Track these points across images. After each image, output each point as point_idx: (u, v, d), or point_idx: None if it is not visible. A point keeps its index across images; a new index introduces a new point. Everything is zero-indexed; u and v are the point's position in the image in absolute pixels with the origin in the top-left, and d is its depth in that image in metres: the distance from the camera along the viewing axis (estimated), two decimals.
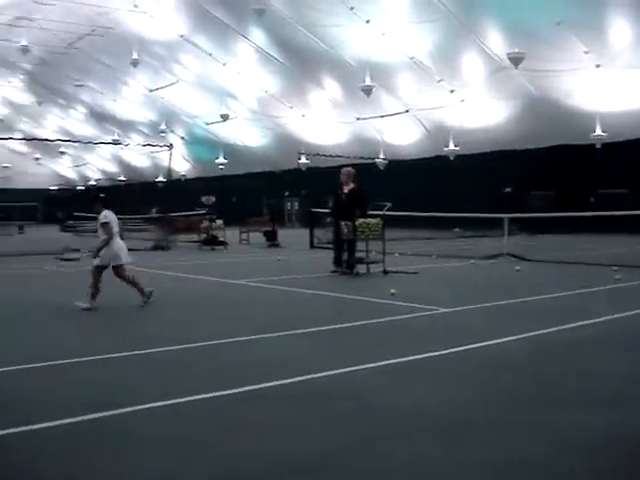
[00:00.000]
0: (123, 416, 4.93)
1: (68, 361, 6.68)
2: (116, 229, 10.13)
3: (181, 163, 55.56)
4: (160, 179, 54.11)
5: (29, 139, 52.43)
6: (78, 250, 10.29)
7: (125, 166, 65.23)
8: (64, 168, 75.94)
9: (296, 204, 50.06)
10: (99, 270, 9.99)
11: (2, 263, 18.76)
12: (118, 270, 10.12)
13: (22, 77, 53.03)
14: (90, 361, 6.72)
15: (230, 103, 44.42)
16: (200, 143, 52.97)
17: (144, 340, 7.66)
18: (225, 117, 44.01)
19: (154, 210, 52.29)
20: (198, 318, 9.53)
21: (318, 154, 38.01)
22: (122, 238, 10.48)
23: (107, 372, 6.36)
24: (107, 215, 10.07)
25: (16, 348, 7.43)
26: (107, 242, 9.95)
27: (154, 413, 5.03)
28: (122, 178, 65.16)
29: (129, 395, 5.45)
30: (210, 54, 39.43)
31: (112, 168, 68.02)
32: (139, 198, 55.23)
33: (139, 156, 59.82)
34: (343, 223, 14.78)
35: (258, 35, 36.56)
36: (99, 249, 10.01)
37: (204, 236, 25.95)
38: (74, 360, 6.71)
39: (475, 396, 5.39)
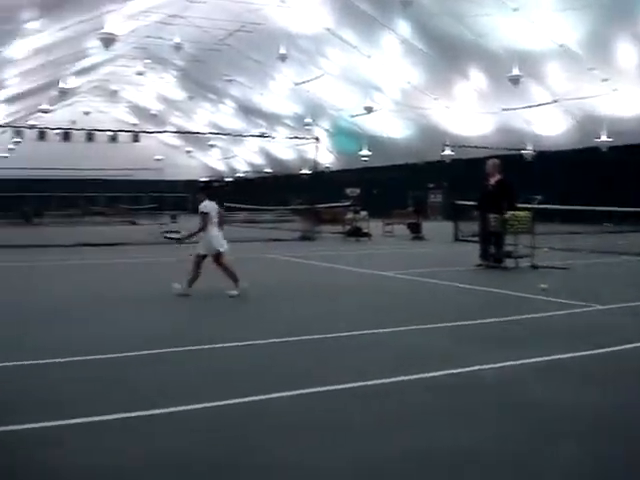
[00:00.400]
0: (271, 401, 5.08)
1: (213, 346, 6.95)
2: (215, 219, 10.55)
3: (325, 155, 56.21)
4: (305, 171, 54.94)
5: (181, 132, 54.54)
6: (178, 232, 10.78)
7: (271, 158, 66.66)
8: (213, 160, 78.45)
9: (439, 196, 49.57)
10: (199, 258, 10.46)
11: (160, 250, 19.69)
12: (217, 258, 10.51)
13: (175, 73, 55.12)
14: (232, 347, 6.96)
15: (374, 95, 44.50)
16: (344, 135, 53.36)
17: (294, 327, 7.85)
18: (369, 109, 44.14)
19: (297, 202, 53.37)
20: (344, 308, 9.65)
21: (463, 145, 37.45)
22: (221, 228, 10.73)
23: (254, 357, 6.56)
24: (206, 205, 10.51)
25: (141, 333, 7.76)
26: (201, 230, 10.47)
27: (309, 398, 5.16)
28: (268, 170, 66.67)
29: (283, 379, 5.61)
30: (355, 47, 39.62)
31: (259, 160, 69.67)
32: (285, 190, 56.41)
33: (285, 149, 60.96)
34: (491, 216, 14.54)
35: (403, 27, 36.41)
36: (190, 235, 10.87)
37: (348, 227, 26.19)
38: (213, 345, 6.97)
39: (631, 399, 5.21)
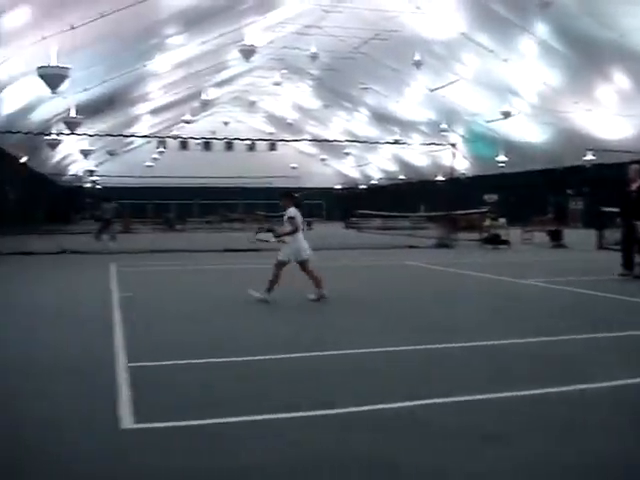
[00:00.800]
0: (426, 407, 5.08)
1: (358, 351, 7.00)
2: (300, 227, 10.85)
3: (460, 161, 55.57)
4: (439, 177, 54.52)
5: (317, 140, 55.30)
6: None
7: (405, 165, 66.54)
8: (348, 168, 79.09)
9: (580, 203, 47.95)
10: (281, 265, 10.66)
11: None
12: (303, 265, 10.76)
13: (310, 82, 55.97)
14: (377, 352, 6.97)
15: (511, 99, 43.59)
16: (480, 141, 52.57)
17: (435, 333, 7.80)
18: (506, 114, 43.27)
19: (422, 208, 53.09)
20: (481, 316, 9.51)
21: (606, 149, 36.08)
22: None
23: (390, 364, 6.56)
24: (294, 212, 10.76)
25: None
26: (293, 232, 10.69)
27: (460, 406, 5.13)
28: (402, 177, 66.56)
29: (428, 387, 5.59)
30: (491, 50, 38.97)
31: (392, 167, 69.69)
32: (419, 197, 56.19)
33: (419, 155, 60.72)
34: (637, 223, 13.92)
35: (541, 28, 35.48)
36: (279, 235, 11.05)
37: (486, 234, 25.78)
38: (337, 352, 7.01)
39: None
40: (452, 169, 28.46)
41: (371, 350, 7.18)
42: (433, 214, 35.75)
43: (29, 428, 4.74)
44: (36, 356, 6.99)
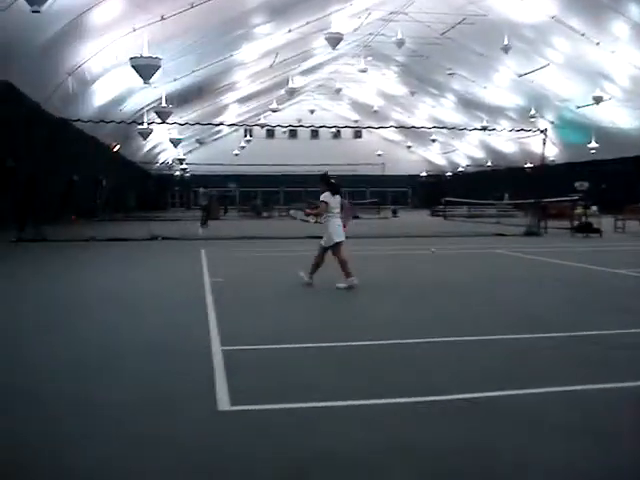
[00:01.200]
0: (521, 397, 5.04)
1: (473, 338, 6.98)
2: (337, 210, 11.03)
3: (550, 148, 54.36)
4: (528, 165, 53.50)
5: (402, 127, 55.01)
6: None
7: (492, 152, 65.56)
8: (434, 155, 78.44)
9: None
10: (323, 251, 11.00)
11: (393, 244, 20.04)
12: (334, 250, 10.90)
13: (396, 69, 55.62)
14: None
15: (603, 84, 42.37)
16: (570, 127, 51.32)
17: (532, 322, 7.72)
18: (598, 99, 42.06)
19: (506, 196, 52.15)
20: (579, 307, 9.33)
21: None
22: (347, 220, 11.00)
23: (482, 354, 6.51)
24: (327, 195, 11.01)
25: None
26: (319, 214, 11.27)
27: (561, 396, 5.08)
28: (489, 164, 65.61)
29: (525, 376, 5.55)
30: (583, 34, 37.92)
31: (479, 154, 68.76)
32: (507, 184, 55.30)
33: (506, 142, 59.71)
34: None
35: (634, 10, 34.31)
36: (312, 213, 11.97)
37: (577, 223, 25.20)
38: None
39: None
40: (542, 156, 27.83)
41: (465, 338, 7.16)
42: (521, 202, 35.09)
43: (129, 407, 4.91)
44: (134, 338, 7.22)
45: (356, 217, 37.23)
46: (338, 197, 11.17)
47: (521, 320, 8.19)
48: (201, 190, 34.75)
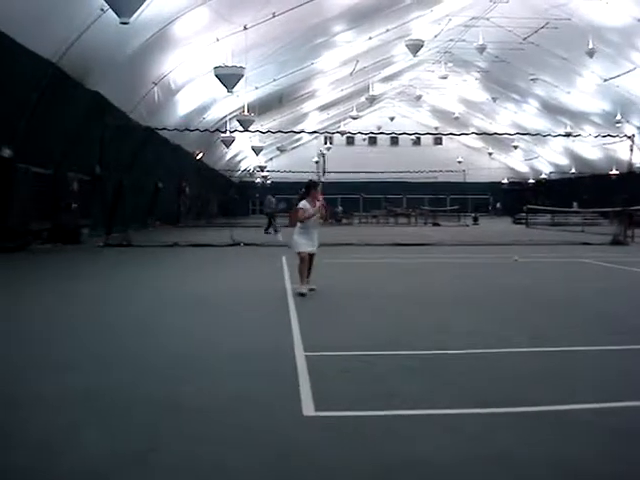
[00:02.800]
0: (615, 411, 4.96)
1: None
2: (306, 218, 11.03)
3: (636, 154, 52.93)
4: (614, 171, 52.21)
5: (483, 134, 54.41)
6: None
7: (576, 158, 64.14)
8: (516, 162, 77.24)
9: None
10: (302, 259, 11.06)
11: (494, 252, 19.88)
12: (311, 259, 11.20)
13: (477, 75, 55.04)
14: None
15: None
16: None
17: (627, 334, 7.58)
18: None
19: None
20: None
21: None
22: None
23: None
24: (305, 204, 11.08)
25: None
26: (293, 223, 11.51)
27: None
28: (573, 171, 64.23)
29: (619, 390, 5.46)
30: None
31: (563, 161, 67.37)
32: (592, 191, 54.06)
33: (591, 148, 58.34)
34: None
35: None
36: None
37: None
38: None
39: None
40: (629, 162, 27.12)
41: (557, 349, 7.09)
42: (607, 210, 34.27)
43: (216, 408, 5.03)
44: (220, 342, 7.38)
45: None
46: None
47: (622, 332, 8.04)
48: (268, 197, 35.69)
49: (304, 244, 11.11)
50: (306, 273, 11.13)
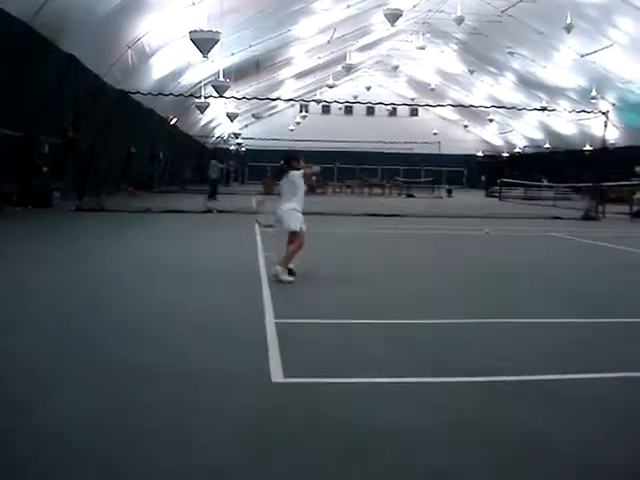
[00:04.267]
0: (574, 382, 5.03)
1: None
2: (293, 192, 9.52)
3: (611, 130, 53.25)
4: (587, 147, 52.55)
5: (459, 106, 54.39)
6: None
7: (550, 133, 64.40)
8: (490, 135, 77.39)
9: None
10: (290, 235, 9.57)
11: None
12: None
13: (455, 47, 54.87)
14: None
15: None
16: (633, 110, 50.12)
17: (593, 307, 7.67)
18: None
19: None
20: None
21: None
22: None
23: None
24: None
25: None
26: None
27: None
28: (547, 146, 64.52)
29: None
30: None
31: (537, 135, 67.63)
32: (564, 166, 54.39)
33: (566, 123, 58.56)
34: None
35: None
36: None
37: (636, 208, 24.73)
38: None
39: None
40: (603, 138, 27.30)
41: (523, 320, 7.17)
42: (580, 185, 34.55)
43: (181, 374, 5.02)
44: (188, 308, 7.37)
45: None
46: (294, 173, 9.53)
47: (585, 305, 8.15)
48: (212, 162, 34.46)
49: (302, 220, 9.63)
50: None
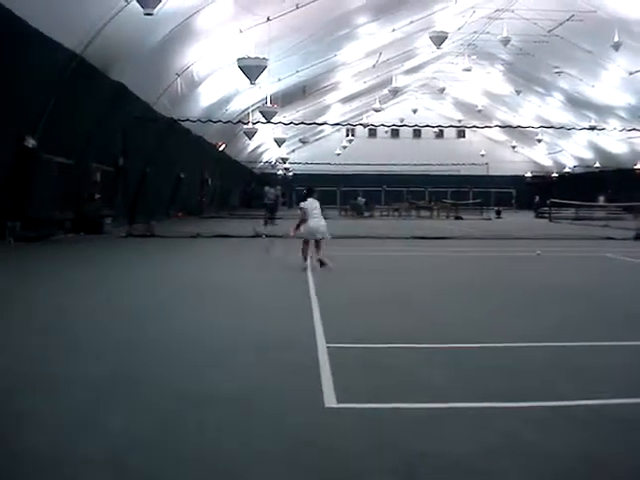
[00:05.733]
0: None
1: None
2: (316, 212, 13.16)
3: None
4: (638, 166, 51.82)
5: (507, 127, 54.11)
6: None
7: (600, 152, 63.61)
8: (539, 155, 76.73)
9: None
10: (305, 242, 13.31)
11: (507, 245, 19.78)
12: (317, 243, 13.13)
13: (501, 68, 54.68)
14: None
15: None
16: None
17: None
18: None
19: (601, 199, 50.38)
20: None
21: None
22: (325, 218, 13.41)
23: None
24: (304, 204, 13.26)
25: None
26: (301, 222, 13.20)
27: None
28: (597, 165, 63.70)
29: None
30: None
31: (587, 155, 66.84)
32: (616, 185, 53.62)
33: (616, 142, 57.83)
34: None
35: None
36: (297, 226, 13.31)
37: None
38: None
39: None
40: None
41: (571, 344, 7.04)
42: (632, 204, 33.97)
43: (236, 398, 5.03)
44: (242, 332, 7.39)
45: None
46: (314, 201, 13.33)
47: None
48: (266, 188, 34.99)
49: (306, 234, 13.29)
50: (307, 252, 13.32)
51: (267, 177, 69.20)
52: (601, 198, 51.39)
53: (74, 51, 19.75)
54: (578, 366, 6.14)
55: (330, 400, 4.96)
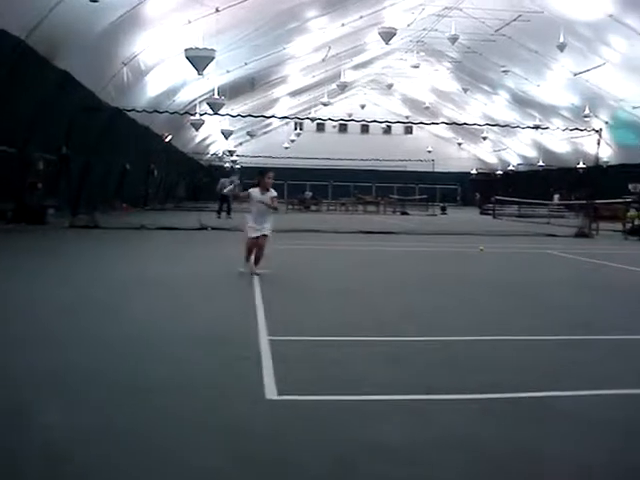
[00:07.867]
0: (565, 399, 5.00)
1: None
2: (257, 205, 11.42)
3: (604, 148, 53.43)
4: (580, 165, 52.79)
5: (453, 124, 54.60)
6: None
7: (544, 151, 64.68)
8: (484, 153, 77.71)
9: None
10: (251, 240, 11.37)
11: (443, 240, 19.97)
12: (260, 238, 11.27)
13: (449, 65, 55.21)
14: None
15: None
16: (625, 128, 50.37)
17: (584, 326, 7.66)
18: None
19: (556, 197, 51.34)
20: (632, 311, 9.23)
21: None
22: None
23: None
24: (252, 190, 11.60)
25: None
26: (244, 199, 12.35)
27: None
28: (541, 163, 64.76)
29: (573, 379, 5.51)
30: None
31: (531, 153, 67.92)
32: (558, 184, 54.59)
33: (559, 141, 58.85)
34: None
35: None
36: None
37: (630, 225, 24.79)
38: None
39: None
40: (596, 156, 27.41)
41: (511, 338, 7.14)
42: (573, 202, 34.65)
43: (175, 391, 4.99)
44: (182, 324, 7.33)
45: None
46: (266, 193, 11.43)
47: (576, 322, 8.15)
48: (221, 180, 34.44)
49: (250, 229, 11.38)
50: (251, 254, 11.40)
51: (215, 169, 68.87)
52: (556, 196, 52.30)
53: (18, 37, 19.32)
54: (514, 358, 6.24)
55: (271, 392, 4.95)
